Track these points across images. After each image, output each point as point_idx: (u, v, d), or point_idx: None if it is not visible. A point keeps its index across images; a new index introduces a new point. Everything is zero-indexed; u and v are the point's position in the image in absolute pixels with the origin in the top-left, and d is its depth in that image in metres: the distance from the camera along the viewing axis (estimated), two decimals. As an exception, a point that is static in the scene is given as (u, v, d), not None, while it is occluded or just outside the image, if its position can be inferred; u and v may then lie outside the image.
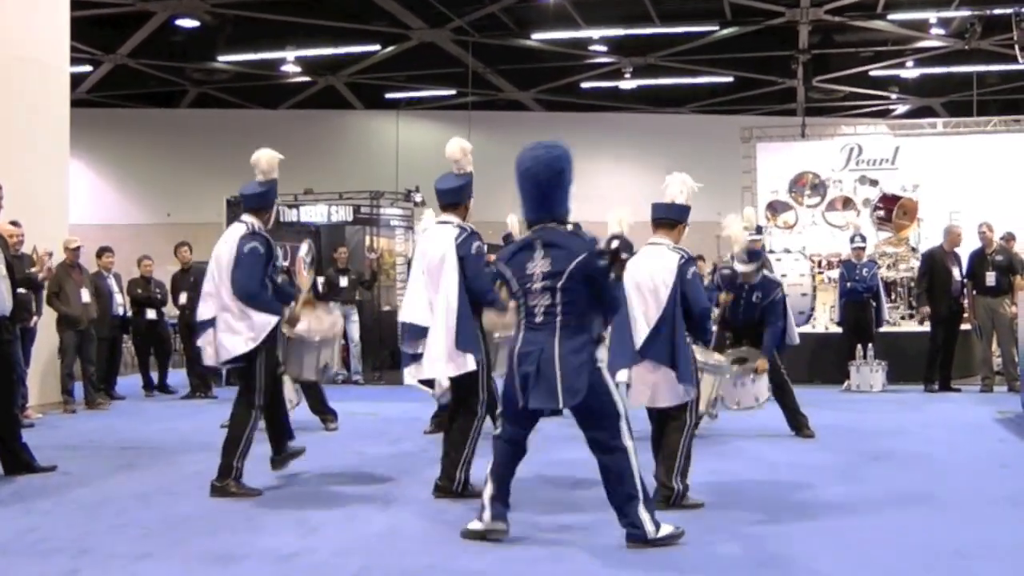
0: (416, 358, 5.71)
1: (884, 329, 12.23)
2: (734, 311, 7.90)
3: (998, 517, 5.27)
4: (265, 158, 6.07)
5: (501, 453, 4.77)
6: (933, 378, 11.49)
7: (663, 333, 5.37)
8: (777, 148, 18.51)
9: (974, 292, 11.52)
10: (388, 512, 5.48)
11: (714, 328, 7.82)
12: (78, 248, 10.74)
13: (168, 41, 19.44)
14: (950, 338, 11.58)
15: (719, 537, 4.80)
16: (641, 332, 5.46)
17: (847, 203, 17.50)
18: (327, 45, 19.76)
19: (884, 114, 23.72)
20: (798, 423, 8.02)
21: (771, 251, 13.22)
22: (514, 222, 8.78)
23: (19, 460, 6.66)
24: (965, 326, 11.92)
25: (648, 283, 5.49)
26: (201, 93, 23.36)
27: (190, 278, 12.11)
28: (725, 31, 18.62)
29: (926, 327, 11.96)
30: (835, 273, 13.29)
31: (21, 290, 8.06)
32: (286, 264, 10.17)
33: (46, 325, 10.28)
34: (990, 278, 11.30)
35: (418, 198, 14.73)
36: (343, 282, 12.94)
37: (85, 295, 10.65)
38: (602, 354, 4.67)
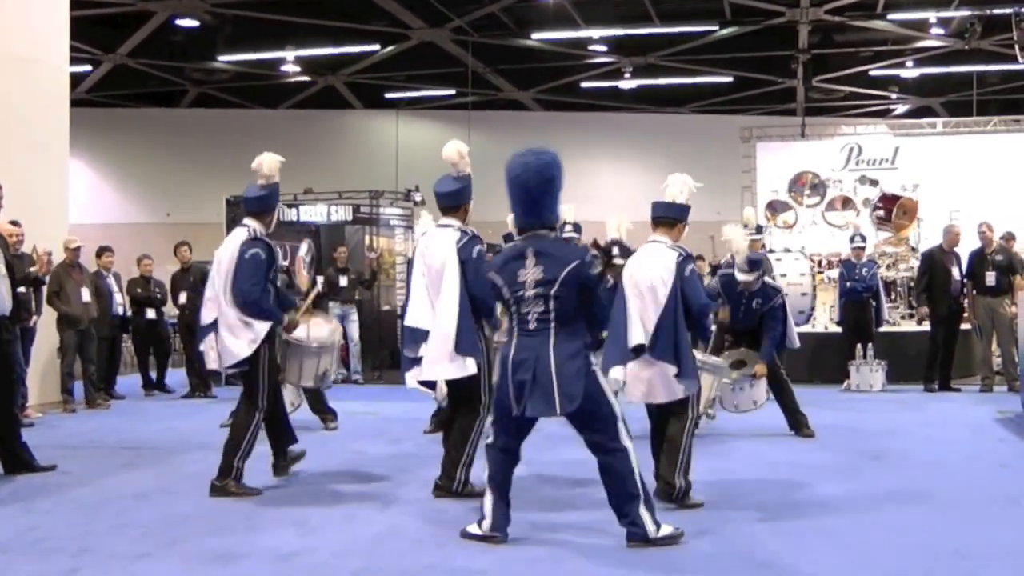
0: (417, 361, 5.72)
1: (884, 329, 12.22)
2: (734, 315, 7.91)
3: (998, 517, 5.27)
4: (267, 162, 6.08)
5: (496, 462, 4.77)
6: (933, 378, 11.49)
7: (665, 331, 5.38)
8: (777, 148, 18.52)
9: (974, 292, 11.52)
10: (388, 512, 5.48)
11: (713, 328, 7.84)
12: (78, 248, 10.74)
13: (168, 41, 19.43)
14: (950, 338, 11.57)
15: (719, 537, 4.80)
16: (635, 330, 5.48)
17: (847, 203, 17.52)
18: (327, 45, 19.77)
19: (884, 114, 23.72)
20: (797, 422, 8.03)
21: (771, 251, 13.22)
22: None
23: (19, 459, 6.66)
24: (965, 326, 11.92)
25: (646, 281, 5.50)
26: (201, 93, 23.36)
27: (190, 278, 12.12)
28: (725, 31, 18.62)
29: (926, 327, 11.96)
30: (835, 273, 13.28)
31: (21, 289, 8.06)
32: (286, 264, 10.17)
33: (46, 325, 10.28)
34: (990, 278, 11.30)
35: (418, 198, 14.72)
36: (343, 282, 12.94)
37: (85, 295, 10.65)
38: (595, 357, 4.69)
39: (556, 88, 22.61)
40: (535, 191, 4.60)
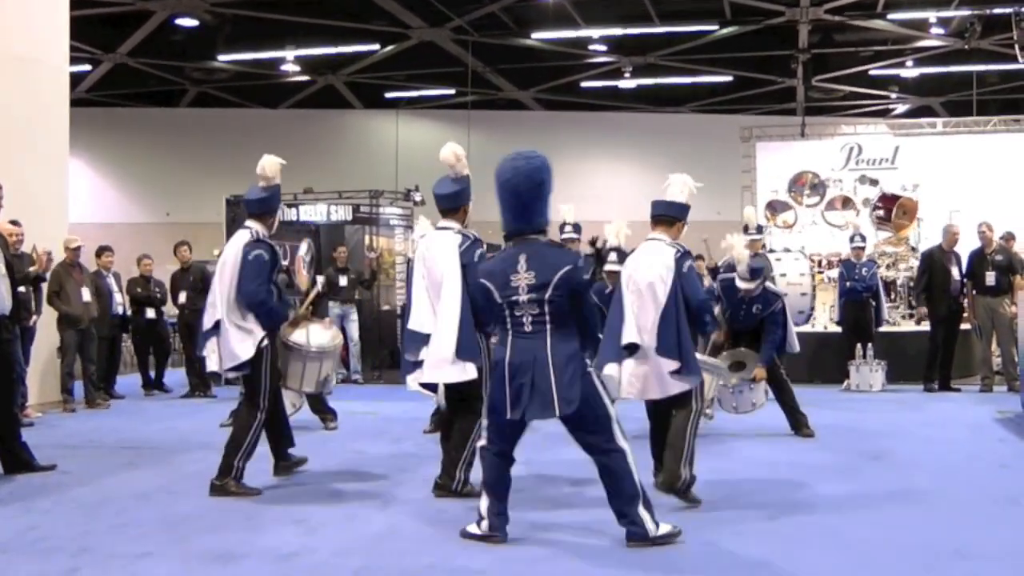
0: (417, 365, 5.72)
1: (884, 329, 12.22)
2: (734, 318, 7.93)
3: (998, 517, 5.27)
4: (269, 164, 6.11)
5: (492, 466, 4.77)
6: (933, 378, 11.49)
7: (668, 328, 5.42)
8: (777, 147, 18.53)
9: (974, 292, 11.52)
10: (388, 512, 5.48)
11: (713, 335, 7.85)
12: (79, 247, 10.74)
13: (168, 40, 19.42)
14: (950, 338, 11.57)
15: (718, 536, 4.80)
16: (629, 329, 5.51)
17: (847, 203, 17.53)
18: (327, 44, 19.76)
19: (884, 113, 23.72)
20: (797, 422, 8.03)
21: (771, 251, 13.21)
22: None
23: (19, 459, 6.66)
24: (965, 326, 11.92)
25: (644, 279, 5.53)
26: (201, 92, 23.36)
27: (189, 277, 12.13)
28: (725, 30, 18.61)
29: (925, 327, 11.96)
30: (835, 273, 13.29)
31: (21, 289, 8.06)
32: (286, 264, 10.17)
33: (46, 324, 10.28)
34: (990, 278, 11.30)
35: (417, 197, 14.72)
36: (342, 281, 12.93)
37: (86, 294, 10.65)
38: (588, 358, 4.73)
39: (556, 88, 22.60)
40: (525, 196, 4.60)
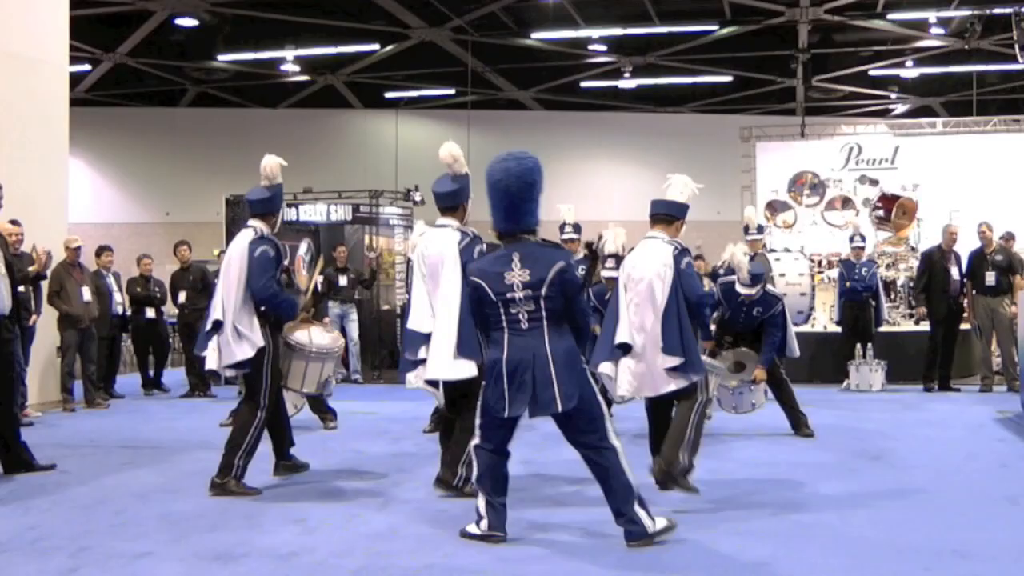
0: (417, 364, 5.73)
1: (883, 329, 12.22)
2: (734, 321, 7.94)
3: (998, 517, 5.27)
4: (270, 164, 6.14)
5: (489, 464, 4.76)
6: (932, 378, 11.49)
7: (671, 325, 5.47)
8: (776, 147, 18.55)
9: (974, 292, 11.53)
10: (387, 511, 5.48)
11: (713, 328, 7.87)
12: (79, 247, 10.74)
13: (167, 40, 19.42)
14: (949, 338, 11.58)
15: (717, 536, 4.80)
16: (623, 328, 5.54)
17: (846, 203, 17.54)
18: (326, 44, 19.75)
19: (884, 114, 23.72)
20: (797, 421, 8.04)
21: (771, 250, 13.22)
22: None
23: (18, 459, 6.66)
24: (965, 326, 11.93)
25: (643, 277, 5.55)
26: (200, 92, 23.35)
27: (189, 277, 12.13)
28: (724, 30, 18.61)
29: (925, 326, 11.97)
30: (834, 273, 13.28)
31: (20, 289, 8.05)
32: (286, 263, 10.17)
33: (46, 324, 10.28)
34: (990, 278, 11.30)
35: (417, 197, 14.72)
36: (342, 281, 12.93)
37: (86, 294, 10.65)
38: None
39: (556, 88, 22.60)
40: (517, 196, 4.62)
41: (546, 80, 22.18)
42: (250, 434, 5.91)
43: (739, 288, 7.66)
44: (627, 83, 21.85)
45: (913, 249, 14.29)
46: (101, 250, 12.03)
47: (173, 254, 12.53)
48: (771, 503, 5.57)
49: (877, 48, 20.06)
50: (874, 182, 17.21)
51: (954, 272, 11.56)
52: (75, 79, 18.55)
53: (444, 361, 5.50)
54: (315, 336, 6.55)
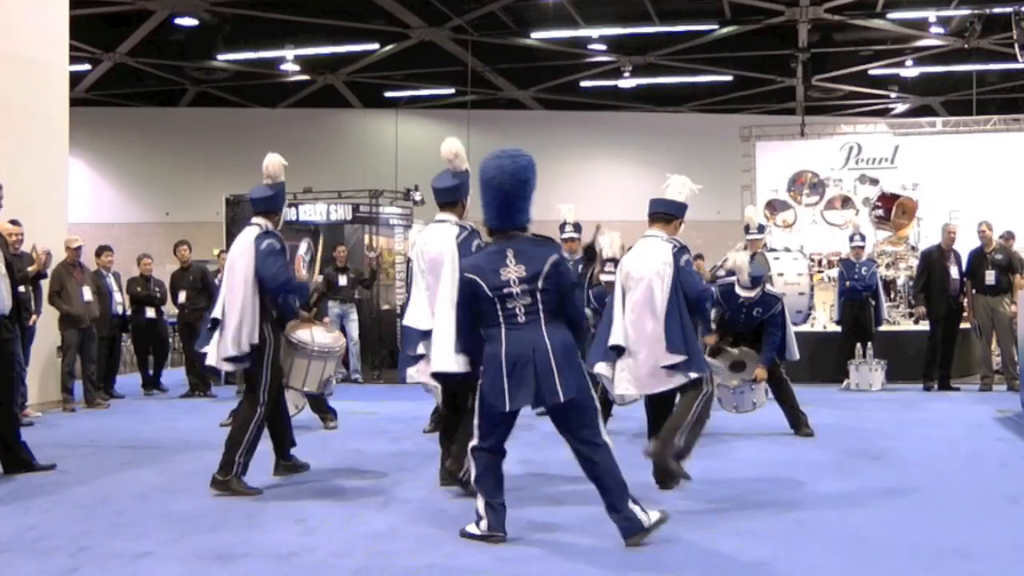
0: (416, 359, 5.74)
1: (883, 328, 12.22)
2: (734, 322, 7.95)
3: (998, 516, 5.27)
4: (272, 163, 6.16)
5: (486, 464, 4.75)
6: (932, 377, 11.50)
7: (673, 323, 5.50)
8: (776, 147, 18.55)
9: (973, 291, 11.53)
10: (387, 511, 5.48)
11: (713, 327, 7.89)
12: (79, 247, 10.75)
13: (167, 40, 19.42)
14: (949, 337, 11.58)
15: (717, 536, 4.80)
16: (617, 329, 5.57)
17: (846, 202, 17.54)
18: (326, 44, 19.75)
19: (883, 113, 23.72)
20: (797, 420, 8.04)
21: (771, 250, 13.21)
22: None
23: (18, 458, 6.66)
24: (965, 325, 11.93)
25: (639, 275, 5.57)
26: (200, 92, 23.35)
27: (189, 277, 12.13)
28: (724, 30, 18.61)
29: (925, 326, 11.97)
30: (834, 272, 13.29)
31: (20, 289, 8.05)
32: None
33: (46, 324, 10.28)
34: (989, 277, 11.31)
35: (417, 197, 14.72)
36: (342, 281, 12.93)
37: (87, 294, 10.65)
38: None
39: (556, 87, 22.60)
40: (510, 193, 4.64)
41: (546, 80, 22.18)
42: (250, 430, 5.91)
43: (739, 290, 7.68)
44: (627, 83, 21.84)
45: (913, 248, 14.30)
46: (101, 250, 12.04)
47: (173, 254, 12.54)
48: (771, 503, 5.57)
49: (877, 47, 20.06)
50: (874, 181, 17.21)
51: (954, 271, 11.57)
52: (75, 79, 18.55)
53: (447, 354, 5.51)
54: (317, 335, 6.57)
